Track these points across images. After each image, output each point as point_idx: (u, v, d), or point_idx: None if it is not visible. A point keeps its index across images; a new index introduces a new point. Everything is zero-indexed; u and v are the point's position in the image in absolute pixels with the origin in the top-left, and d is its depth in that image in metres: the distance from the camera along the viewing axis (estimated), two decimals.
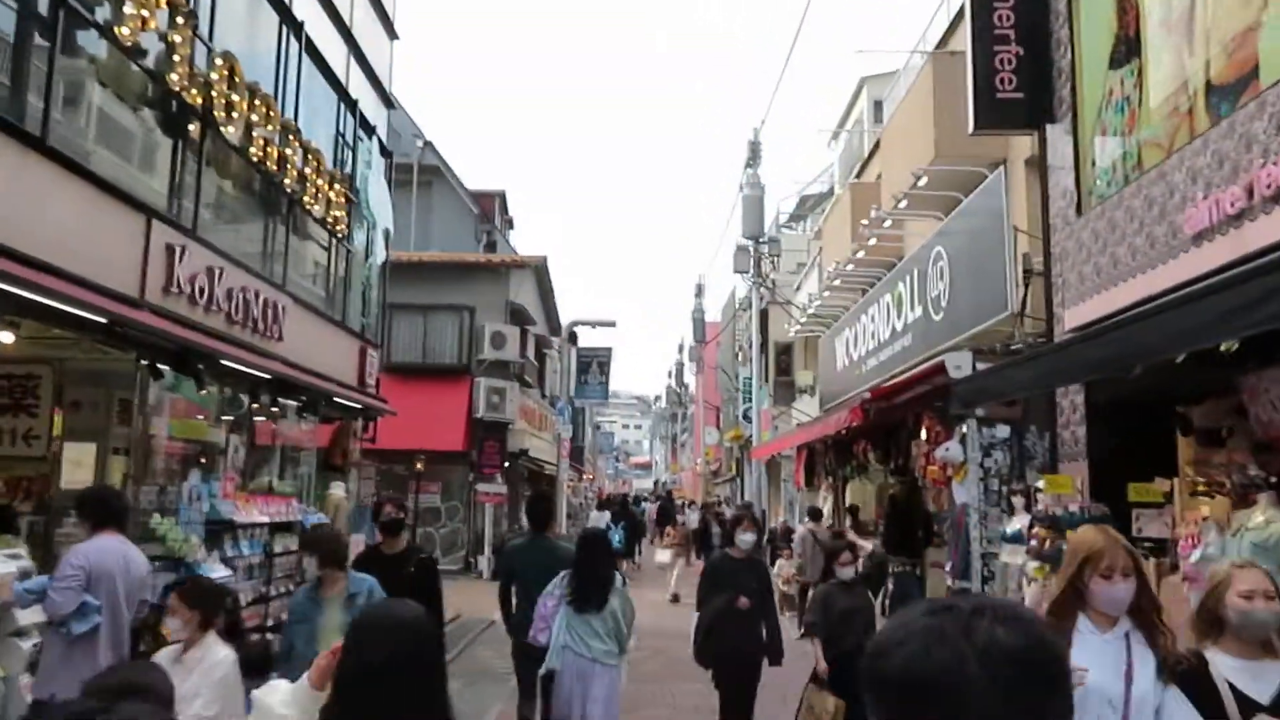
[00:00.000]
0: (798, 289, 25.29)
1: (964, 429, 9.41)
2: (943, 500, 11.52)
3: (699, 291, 36.91)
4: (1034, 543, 8.05)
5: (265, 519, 8.91)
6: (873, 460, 12.84)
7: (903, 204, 11.59)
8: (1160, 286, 6.37)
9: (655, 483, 66.45)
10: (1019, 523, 8.67)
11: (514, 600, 6.46)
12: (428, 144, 26.18)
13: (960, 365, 9.03)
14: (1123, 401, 7.96)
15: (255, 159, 8.92)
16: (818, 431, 12.36)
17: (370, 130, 13.09)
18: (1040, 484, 8.28)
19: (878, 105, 22.68)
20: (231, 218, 9.48)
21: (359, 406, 12.46)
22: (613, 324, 19.04)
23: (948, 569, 9.56)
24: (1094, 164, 8.17)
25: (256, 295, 9.12)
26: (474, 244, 24.70)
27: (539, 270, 23.82)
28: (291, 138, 9.74)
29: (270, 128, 9.08)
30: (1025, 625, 1.05)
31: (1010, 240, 9.65)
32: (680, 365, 52.10)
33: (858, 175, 18.97)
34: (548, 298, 26.13)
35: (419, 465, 12.05)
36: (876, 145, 18.11)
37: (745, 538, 6.72)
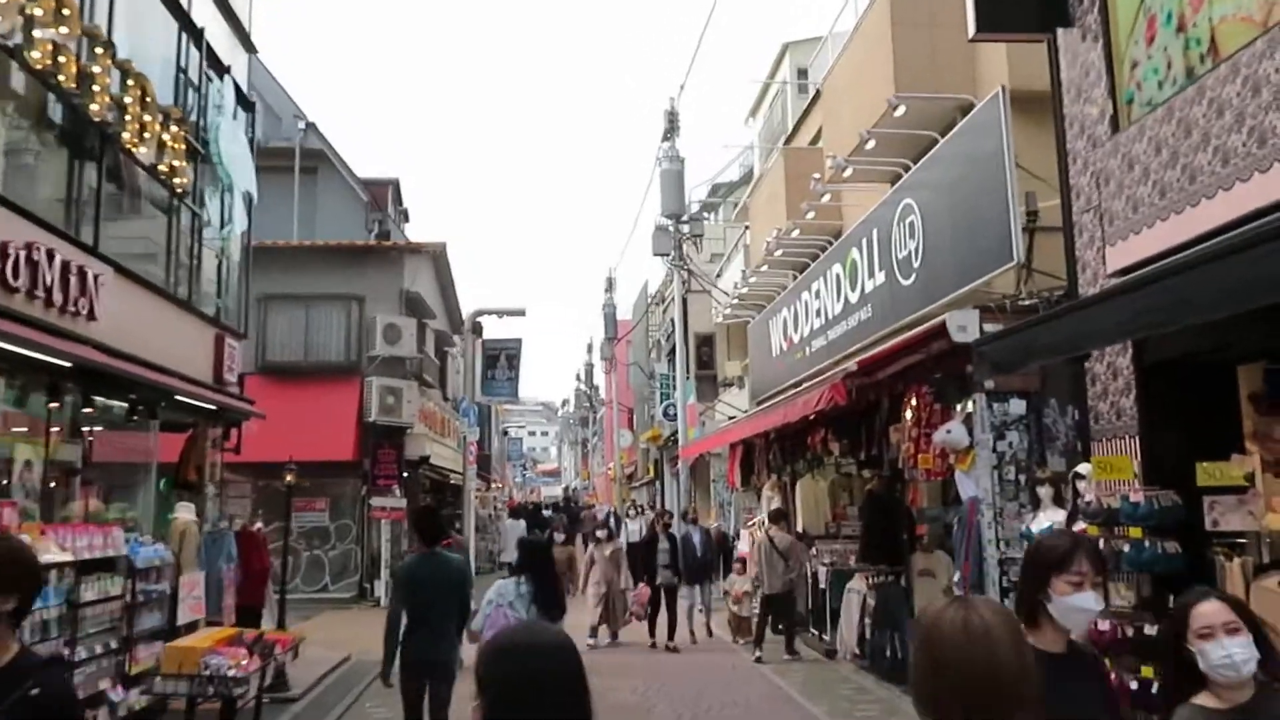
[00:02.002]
0: (718, 276, 23.64)
1: (969, 406, 7.70)
2: (920, 496, 9.83)
3: (610, 285, 35.01)
4: None
5: (68, 557, 6.59)
6: (836, 451, 11.08)
7: (870, 145, 9.85)
8: None
9: (565, 489, 64.55)
10: (1047, 519, 6.97)
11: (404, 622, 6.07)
12: (310, 126, 23.63)
13: (965, 326, 7.30)
14: (1173, 363, 6.33)
15: (39, 68, 6.59)
16: (774, 420, 10.58)
17: (222, 70, 10.74)
18: (1084, 469, 6.58)
19: (802, 73, 21.22)
20: (8, 148, 7.10)
21: (215, 409, 10.12)
22: (522, 312, 17.02)
23: (956, 579, 7.82)
24: (1134, 65, 6.52)
25: (51, 257, 6.80)
26: (364, 236, 22.31)
27: (437, 258, 21.55)
28: (101, 52, 7.42)
29: (64, 31, 6.77)
30: None
31: (1012, 178, 7.98)
32: (590, 366, 50.09)
33: (788, 140, 17.34)
34: (448, 290, 23.84)
35: (289, 478, 9.76)
36: (811, 104, 16.52)
37: (1080, 603, 2.48)
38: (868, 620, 9.06)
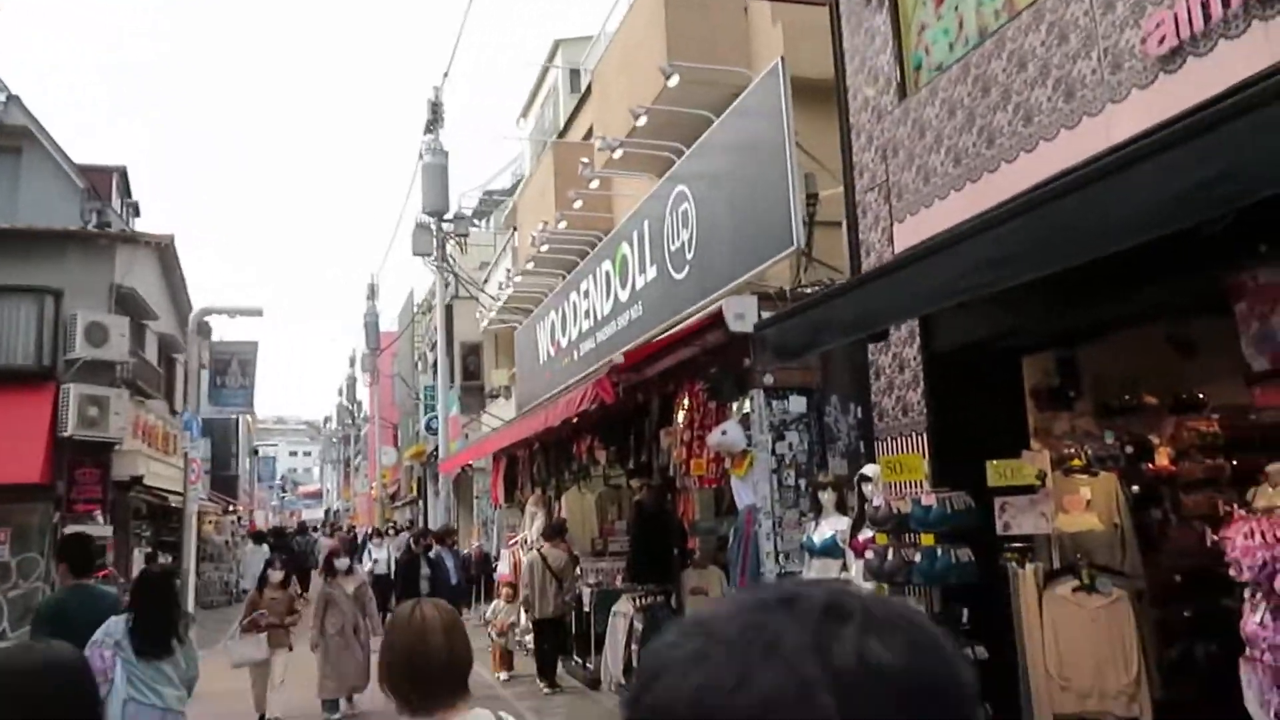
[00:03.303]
0: (485, 282, 22.43)
1: (747, 404, 6.92)
2: (692, 507, 9.03)
3: (372, 293, 32.86)
4: (870, 555, 5.64)
5: None
6: (603, 460, 10.13)
7: (641, 121, 9.01)
8: (1108, 141, 4.12)
9: (327, 512, 60.94)
10: (830, 527, 6.29)
11: None
12: (13, 99, 20.35)
13: (743, 314, 6.51)
14: (962, 352, 5.80)
15: None
16: (536, 424, 9.49)
17: None
18: (870, 470, 5.92)
19: (574, 74, 20.45)
20: None
21: None
22: (259, 312, 14.97)
23: None
24: (922, 29, 5.98)
25: None
26: (78, 226, 19.34)
27: (164, 251, 18.96)
28: None
29: None
30: (917, 636, 0.60)
31: (792, 155, 7.34)
32: (352, 380, 47.13)
33: (560, 137, 16.44)
34: (179, 291, 21.13)
35: None
36: (582, 100, 15.70)
37: None
38: (635, 646, 8.12)
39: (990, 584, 5.38)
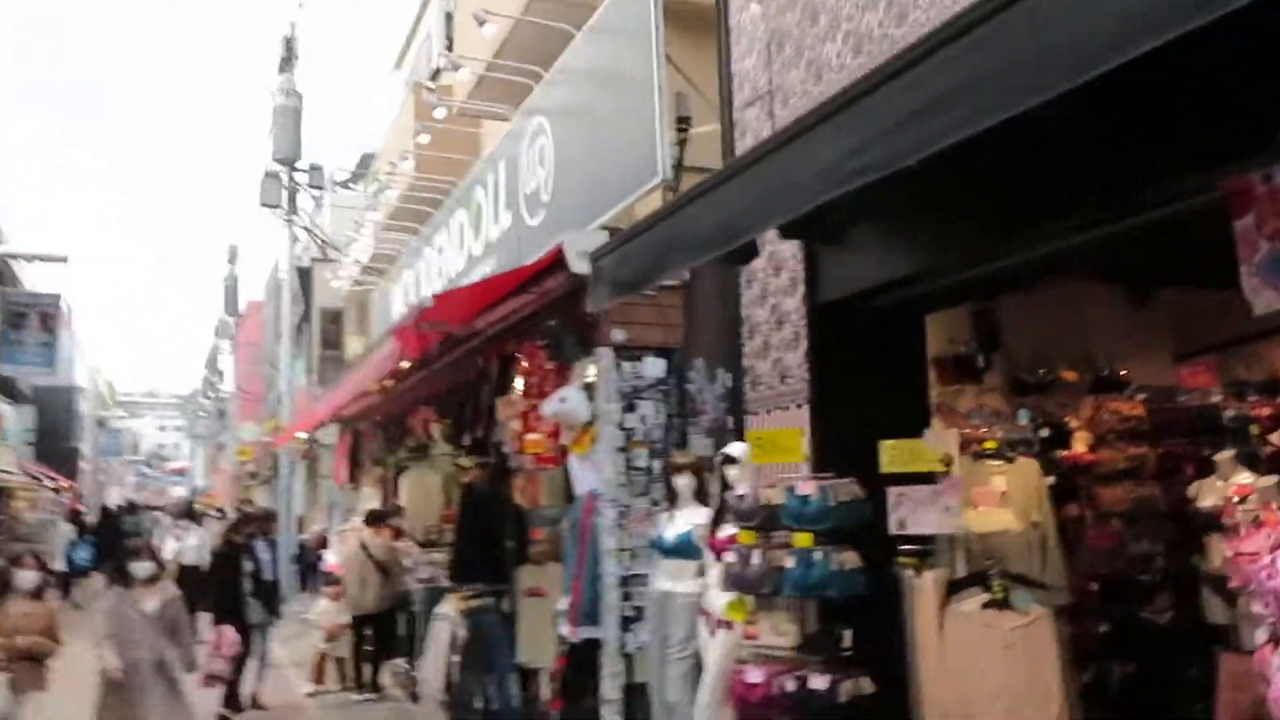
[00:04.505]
0: (350, 245, 20.63)
1: (590, 368, 5.61)
2: (538, 491, 7.68)
3: (232, 256, 30.43)
4: (730, 557, 4.40)
5: None
6: (438, 435, 8.70)
7: (489, 29, 7.58)
8: None
9: (193, 490, 57.66)
10: (686, 521, 5.02)
11: None
12: None
13: (589, 251, 5.18)
14: (855, 303, 4.61)
15: None
16: (350, 390, 7.99)
17: None
18: (736, 450, 4.68)
19: (450, 18, 18.85)
20: None
21: None
22: (64, 259, 12.89)
23: (563, 605, 5.68)
24: None
25: None
26: None
27: None
28: None
29: None
30: None
31: (660, 73, 6.05)
32: (216, 350, 44.13)
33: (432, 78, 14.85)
34: None
35: None
36: (449, 44, 14.13)
37: None
38: (456, 657, 6.75)
39: (880, 597, 4.20)
